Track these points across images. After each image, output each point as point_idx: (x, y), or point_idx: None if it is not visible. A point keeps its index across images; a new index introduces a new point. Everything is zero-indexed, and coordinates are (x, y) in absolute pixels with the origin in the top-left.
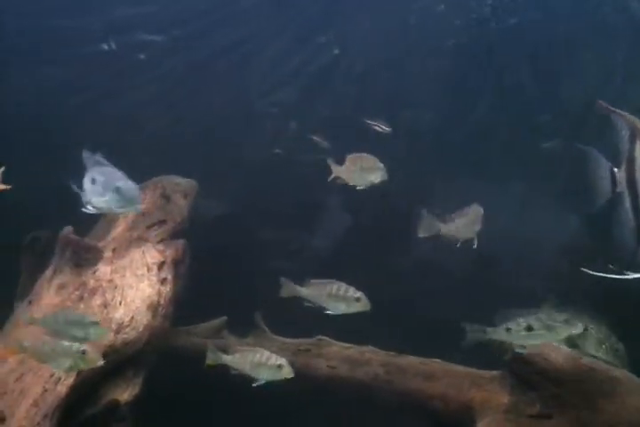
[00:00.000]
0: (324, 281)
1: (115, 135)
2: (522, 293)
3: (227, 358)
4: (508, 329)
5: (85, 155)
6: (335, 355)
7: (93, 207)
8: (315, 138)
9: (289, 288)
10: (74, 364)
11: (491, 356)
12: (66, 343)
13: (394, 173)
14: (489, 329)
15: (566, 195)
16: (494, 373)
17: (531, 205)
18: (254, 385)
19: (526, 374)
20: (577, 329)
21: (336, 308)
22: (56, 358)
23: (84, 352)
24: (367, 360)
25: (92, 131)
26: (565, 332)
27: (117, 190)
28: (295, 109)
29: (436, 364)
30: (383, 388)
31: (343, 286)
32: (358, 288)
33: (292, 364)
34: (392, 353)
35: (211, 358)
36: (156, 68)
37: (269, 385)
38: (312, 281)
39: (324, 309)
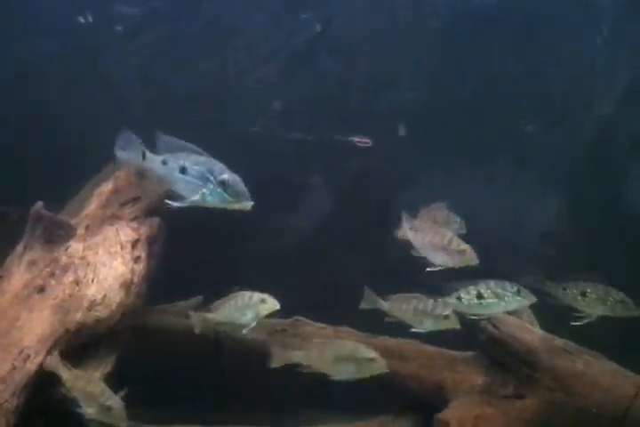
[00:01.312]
0: (408, 295)
1: (94, 110)
2: (504, 275)
3: (211, 316)
4: (459, 298)
5: (163, 138)
6: (311, 335)
7: (180, 201)
8: (356, 139)
9: (370, 300)
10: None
11: (465, 337)
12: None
13: (379, 154)
14: (440, 299)
15: (548, 178)
16: (468, 354)
17: (513, 189)
18: (244, 332)
19: (500, 355)
20: (530, 299)
21: (422, 325)
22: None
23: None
24: None
25: (71, 106)
26: (517, 302)
27: (223, 184)
28: (279, 87)
29: (410, 345)
30: None
31: (430, 301)
32: (337, 269)
33: (267, 343)
34: (368, 334)
35: (195, 323)
36: (136, 42)
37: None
38: (395, 296)
39: (409, 325)
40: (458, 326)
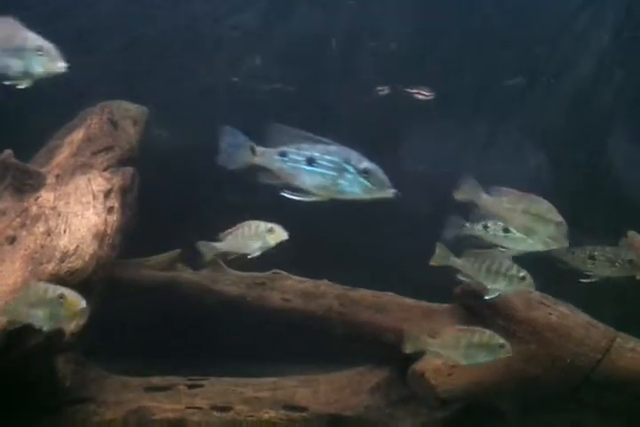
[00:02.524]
0: (483, 252)
1: (66, 56)
2: None
3: (220, 245)
4: (486, 227)
5: (276, 129)
6: (290, 288)
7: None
8: (414, 91)
9: (442, 255)
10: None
11: (443, 290)
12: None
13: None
14: (468, 224)
15: (529, 131)
16: (445, 306)
17: (495, 142)
18: (249, 257)
19: (476, 307)
20: (561, 244)
21: (496, 286)
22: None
23: (61, 296)
24: (322, 293)
25: None
26: (544, 244)
27: (366, 173)
28: (257, 35)
29: (388, 297)
30: (336, 320)
31: (506, 261)
32: (319, 223)
33: (246, 296)
34: (347, 287)
35: (204, 252)
36: None
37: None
38: (468, 251)
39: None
40: (533, 289)
